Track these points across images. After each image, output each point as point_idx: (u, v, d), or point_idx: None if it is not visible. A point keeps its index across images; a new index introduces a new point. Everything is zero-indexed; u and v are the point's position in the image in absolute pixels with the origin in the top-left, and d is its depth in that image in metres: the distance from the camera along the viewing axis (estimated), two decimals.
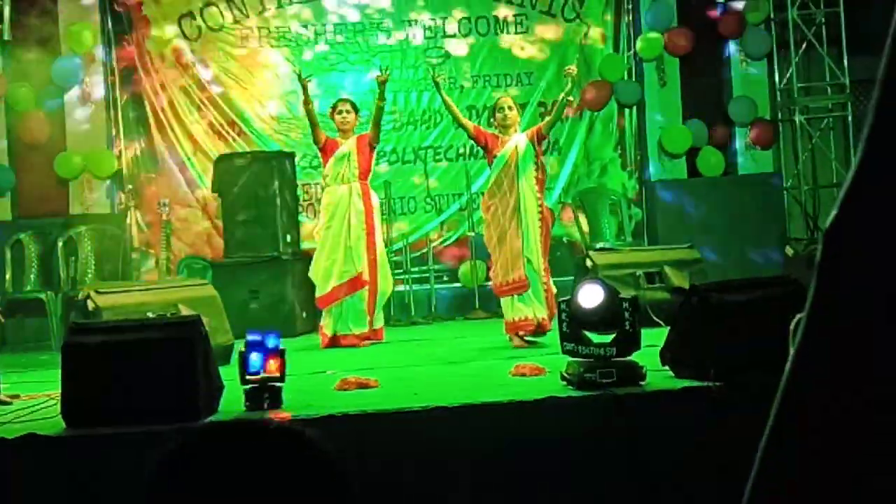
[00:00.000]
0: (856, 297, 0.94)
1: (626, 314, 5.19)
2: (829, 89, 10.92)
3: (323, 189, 8.55)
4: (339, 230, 8.17)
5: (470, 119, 10.03)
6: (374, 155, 8.50)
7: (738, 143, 10.83)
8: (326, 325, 8.21)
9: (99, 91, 10.20)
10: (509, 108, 7.73)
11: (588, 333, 5.38)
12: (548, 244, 7.80)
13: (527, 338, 7.58)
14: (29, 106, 9.99)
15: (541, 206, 7.67)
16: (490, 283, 8.12)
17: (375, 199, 8.40)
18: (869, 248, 0.94)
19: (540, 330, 7.55)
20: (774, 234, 10.35)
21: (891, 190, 0.94)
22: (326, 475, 1.31)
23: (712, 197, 10.51)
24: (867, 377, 0.93)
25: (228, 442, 1.31)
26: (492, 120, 8.13)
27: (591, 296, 5.29)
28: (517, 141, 7.69)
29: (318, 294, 8.27)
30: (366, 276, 8.14)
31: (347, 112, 8.30)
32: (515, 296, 7.55)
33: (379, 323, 8.32)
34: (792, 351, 0.98)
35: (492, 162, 7.74)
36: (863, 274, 0.94)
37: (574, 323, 5.36)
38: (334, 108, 8.39)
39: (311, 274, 8.33)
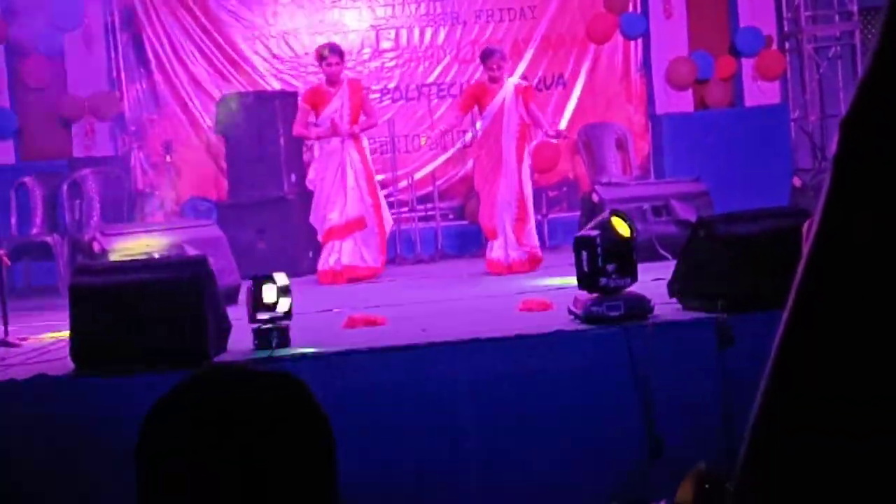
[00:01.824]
0: (876, 188, 0.89)
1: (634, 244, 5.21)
2: (836, 17, 10.78)
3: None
4: (334, 178, 8.34)
5: (472, 57, 10.09)
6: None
7: (745, 75, 10.72)
8: (327, 261, 8.31)
9: (99, 31, 10.10)
10: (499, 67, 8.20)
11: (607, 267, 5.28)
12: (527, 193, 8.32)
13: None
14: (29, 48, 9.90)
15: (521, 157, 8.21)
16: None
17: (366, 142, 8.65)
18: (889, 135, 0.89)
19: (512, 270, 8.04)
20: (781, 166, 10.28)
21: None
22: (312, 419, 1.33)
23: (719, 129, 10.42)
24: (886, 275, 0.89)
25: (218, 387, 1.33)
26: (486, 68, 8.44)
27: (627, 226, 5.22)
28: (506, 93, 8.21)
29: (319, 236, 8.47)
30: (367, 220, 8.35)
31: (337, 64, 8.41)
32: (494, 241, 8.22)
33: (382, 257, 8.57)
34: (804, 252, 0.94)
35: (483, 110, 8.25)
36: (884, 164, 0.89)
37: (611, 255, 5.21)
38: (323, 58, 8.40)
39: (311, 220, 8.51)
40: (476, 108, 8.52)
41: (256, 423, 1.29)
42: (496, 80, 8.24)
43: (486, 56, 8.38)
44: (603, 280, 5.17)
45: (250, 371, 1.38)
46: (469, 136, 10.31)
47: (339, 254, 8.28)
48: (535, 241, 8.31)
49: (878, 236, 0.89)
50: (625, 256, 5.20)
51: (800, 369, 0.93)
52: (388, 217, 8.57)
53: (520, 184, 8.19)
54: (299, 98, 8.94)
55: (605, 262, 5.17)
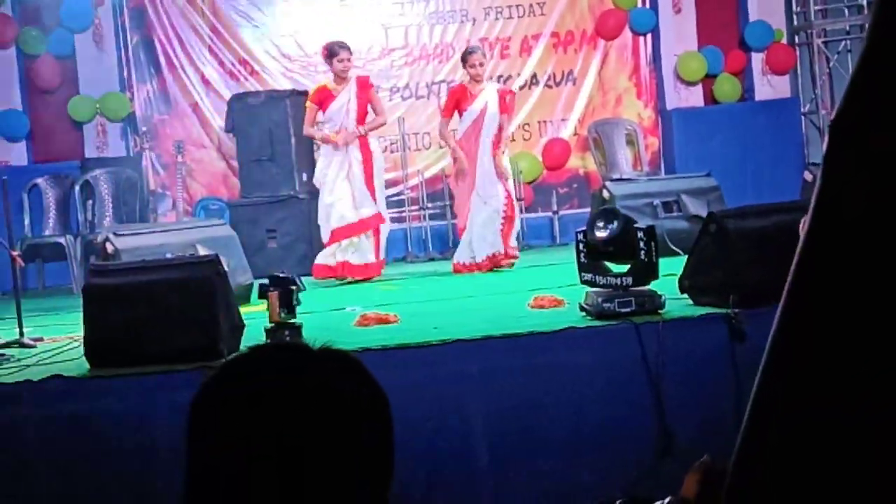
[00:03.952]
0: (863, 186, 0.92)
1: (642, 244, 5.17)
2: (846, 11, 10.75)
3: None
4: (336, 177, 8.29)
5: (483, 48, 10.10)
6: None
7: (755, 69, 10.70)
8: (326, 257, 8.30)
9: (110, 33, 10.14)
10: (480, 64, 8.30)
11: (607, 263, 5.37)
12: (510, 197, 8.42)
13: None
14: (40, 49, 9.94)
15: (496, 161, 8.23)
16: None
17: (375, 144, 8.50)
18: (876, 135, 0.91)
19: (480, 269, 8.20)
20: (793, 160, 10.27)
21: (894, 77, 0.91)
22: (369, 395, 1.31)
23: (729, 124, 10.41)
24: (874, 266, 0.91)
25: (271, 361, 1.29)
26: (467, 67, 8.44)
27: (605, 226, 5.27)
28: (487, 97, 8.29)
29: (324, 234, 8.38)
30: (366, 221, 8.30)
31: (349, 60, 8.44)
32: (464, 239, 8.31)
33: (382, 257, 8.47)
34: (799, 245, 0.97)
35: (464, 112, 8.30)
36: (870, 162, 0.92)
37: (592, 253, 5.35)
38: (335, 54, 8.36)
39: (319, 220, 8.44)
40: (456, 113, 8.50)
41: (322, 396, 1.24)
42: (478, 80, 8.31)
43: (467, 55, 8.40)
44: (586, 276, 5.27)
45: (305, 346, 1.31)
46: None
47: (337, 251, 8.29)
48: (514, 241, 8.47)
49: (866, 232, 0.91)
50: (610, 255, 5.26)
51: (799, 347, 0.95)
52: (386, 219, 8.53)
53: (502, 184, 8.27)
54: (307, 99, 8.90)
55: (587, 259, 5.32)
